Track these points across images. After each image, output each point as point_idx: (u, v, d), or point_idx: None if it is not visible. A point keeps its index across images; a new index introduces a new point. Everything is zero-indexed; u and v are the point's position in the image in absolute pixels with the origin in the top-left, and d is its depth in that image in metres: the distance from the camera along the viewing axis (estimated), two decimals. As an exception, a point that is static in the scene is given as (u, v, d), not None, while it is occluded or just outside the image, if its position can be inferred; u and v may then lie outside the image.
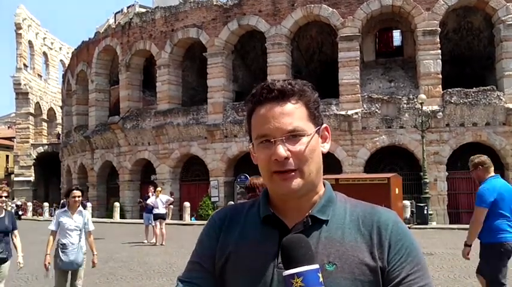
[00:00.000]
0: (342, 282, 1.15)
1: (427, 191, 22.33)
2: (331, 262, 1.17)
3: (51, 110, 55.58)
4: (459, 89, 24.26)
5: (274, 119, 1.22)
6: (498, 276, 5.57)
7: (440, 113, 23.83)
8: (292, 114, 1.23)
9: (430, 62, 24.57)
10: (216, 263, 1.29)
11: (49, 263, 6.71)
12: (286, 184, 1.21)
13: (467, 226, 21.65)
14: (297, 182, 1.21)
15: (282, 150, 1.19)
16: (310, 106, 1.26)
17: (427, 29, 24.67)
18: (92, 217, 31.84)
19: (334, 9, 25.85)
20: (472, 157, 6.13)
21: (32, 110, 51.16)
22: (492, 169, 5.90)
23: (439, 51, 24.59)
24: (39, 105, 52.98)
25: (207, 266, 1.30)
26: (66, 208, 7.01)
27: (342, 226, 1.23)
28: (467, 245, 5.84)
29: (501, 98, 23.64)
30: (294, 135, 1.21)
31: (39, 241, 15.92)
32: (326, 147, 1.30)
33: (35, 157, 49.66)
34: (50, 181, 50.53)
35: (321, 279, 1.09)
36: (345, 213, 1.26)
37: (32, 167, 49.63)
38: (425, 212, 21.83)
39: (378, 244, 1.19)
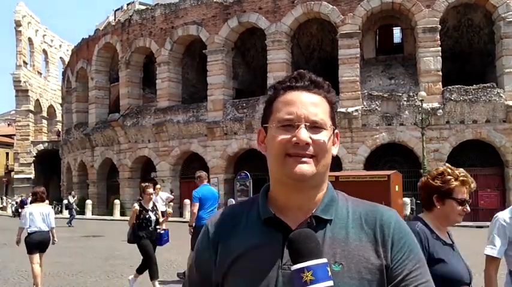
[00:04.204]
0: (349, 282, 1.15)
1: (427, 188, 22.32)
2: (337, 262, 1.16)
3: (51, 108, 55.56)
4: (459, 86, 24.25)
5: (302, 105, 1.22)
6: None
7: (441, 111, 23.82)
8: (320, 105, 1.24)
9: (430, 59, 24.56)
10: (216, 274, 1.27)
11: None
12: (300, 166, 1.19)
13: (466, 224, 21.50)
14: (311, 167, 1.20)
15: (305, 134, 1.19)
16: (333, 106, 1.29)
17: (427, 26, 24.64)
18: (92, 214, 32.00)
19: (334, 6, 25.83)
20: (198, 171, 9.64)
21: (31, 108, 51.14)
22: (206, 180, 9.35)
23: (439, 48, 24.57)
24: (39, 102, 52.96)
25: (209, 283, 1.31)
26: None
27: (345, 225, 1.23)
28: (191, 225, 8.98)
29: (501, 95, 23.63)
30: (317, 126, 1.22)
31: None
32: (335, 151, 1.29)
33: (35, 154, 49.67)
34: (50, 179, 50.50)
35: (330, 273, 1.09)
36: (348, 212, 1.25)
37: (32, 164, 49.65)
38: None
39: (381, 242, 1.20)
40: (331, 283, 1.08)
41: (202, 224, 8.54)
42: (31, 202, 8.65)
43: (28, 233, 8.07)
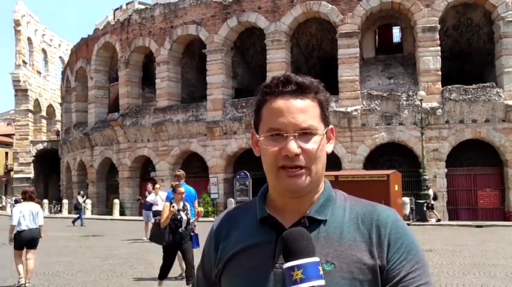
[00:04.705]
0: (340, 281, 1.14)
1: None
2: (329, 261, 1.16)
3: (50, 107, 55.51)
4: (459, 85, 24.25)
5: (290, 114, 1.20)
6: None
7: (440, 110, 23.82)
8: (308, 111, 1.22)
9: (430, 58, 24.55)
10: (214, 271, 1.31)
11: None
12: (293, 180, 1.19)
13: (466, 223, 21.63)
14: (303, 179, 1.20)
15: (294, 146, 1.18)
16: (324, 106, 1.26)
17: (427, 25, 24.64)
18: (92, 213, 31.95)
19: (334, 6, 25.82)
20: (177, 170, 10.38)
21: (31, 107, 51.07)
22: (183, 179, 9.63)
23: (439, 47, 24.57)
24: (39, 102, 52.90)
25: (205, 281, 1.38)
26: None
27: (340, 225, 1.22)
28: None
29: (501, 94, 23.63)
30: (306, 133, 1.20)
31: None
32: (330, 148, 1.28)
33: (34, 153, 49.62)
34: (49, 178, 50.49)
35: (321, 272, 1.09)
36: (344, 212, 1.25)
37: (32, 164, 49.60)
38: (424, 209, 21.85)
39: (377, 243, 1.19)
40: (322, 282, 1.08)
41: None
42: (21, 201, 9.23)
43: (17, 230, 8.62)
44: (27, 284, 8.50)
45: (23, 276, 8.60)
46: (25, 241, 8.65)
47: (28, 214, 8.65)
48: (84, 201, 27.37)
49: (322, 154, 1.23)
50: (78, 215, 25.21)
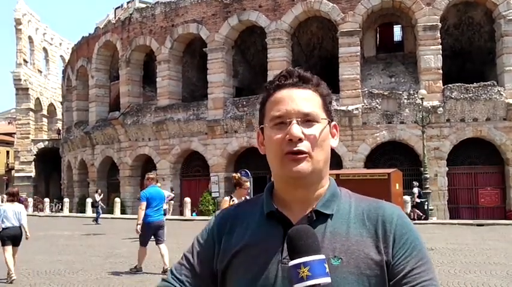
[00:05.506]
0: (347, 277, 1.15)
1: (427, 186, 22.35)
2: (337, 256, 1.17)
3: (51, 106, 55.51)
4: (460, 84, 24.24)
5: (292, 101, 1.25)
6: (146, 240, 9.89)
7: (441, 109, 23.81)
8: (310, 99, 1.26)
9: (431, 57, 24.54)
10: (218, 265, 1.29)
11: None
12: (296, 164, 1.21)
13: (467, 221, 21.61)
14: (307, 165, 1.21)
15: (297, 129, 1.21)
16: (326, 99, 1.30)
17: (428, 24, 24.62)
18: (93, 213, 31.95)
19: (335, 4, 25.80)
20: (149, 173, 11.05)
21: (32, 106, 51.08)
22: (154, 181, 10.43)
23: (440, 46, 24.55)
24: (40, 101, 52.91)
25: (198, 269, 1.31)
26: None
27: (347, 221, 1.23)
28: (139, 223, 9.75)
29: (502, 93, 23.62)
30: (308, 120, 1.23)
31: (38, 237, 15.93)
32: (335, 142, 1.31)
33: (35, 152, 49.63)
34: (50, 177, 50.51)
35: (327, 270, 1.09)
36: (350, 208, 1.26)
37: (33, 162, 49.61)
38: (425, 207, 21.85)
39: (382, 238, 1.20)
40: (328, 279, 1.08)
41: (149, 221, 9.79)
42: (6, 201, 9.94)
43: (2, 228, 9.32)
44: (12, 275, 9.10)
45: (13, 271, 9.14)
46: (9, 236, 9.32)
47: (12, 214, 9.36)
48: (101, 199, 27.21)
49: (324, 143, 1.25)
50: (97, 213, 25.19)
